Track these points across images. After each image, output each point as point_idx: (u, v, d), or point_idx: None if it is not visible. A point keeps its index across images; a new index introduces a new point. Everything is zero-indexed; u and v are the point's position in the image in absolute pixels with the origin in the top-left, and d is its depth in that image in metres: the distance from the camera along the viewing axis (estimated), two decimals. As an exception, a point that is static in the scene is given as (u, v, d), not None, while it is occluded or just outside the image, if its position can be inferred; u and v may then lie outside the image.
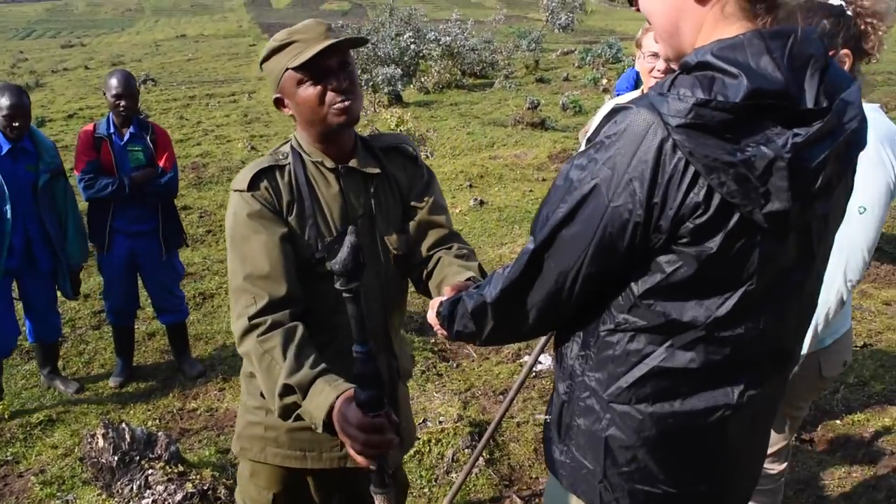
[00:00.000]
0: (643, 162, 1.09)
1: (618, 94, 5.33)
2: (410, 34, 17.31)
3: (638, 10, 1.28)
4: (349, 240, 1.30)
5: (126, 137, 4.28)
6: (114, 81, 4.22)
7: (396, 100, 15.11)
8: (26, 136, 4.01)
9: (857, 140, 1.20)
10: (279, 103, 1.82)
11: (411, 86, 16.37)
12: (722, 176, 1.06)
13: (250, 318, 1.66)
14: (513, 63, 20.77)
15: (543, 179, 9.43)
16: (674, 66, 1.24)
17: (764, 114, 1.06)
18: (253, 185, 1.76)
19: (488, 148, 11.42)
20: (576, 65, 20.92)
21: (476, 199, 8.40)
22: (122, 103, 4.20)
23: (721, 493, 1.36)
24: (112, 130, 4.27)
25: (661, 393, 1.24)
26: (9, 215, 3.91)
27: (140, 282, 4.59)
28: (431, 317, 1.62)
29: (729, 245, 1.11)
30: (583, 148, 1.22)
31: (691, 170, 1.07)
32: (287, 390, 1.57)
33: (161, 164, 4.37)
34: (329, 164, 1.83)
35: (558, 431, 1.41)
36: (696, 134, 1.06)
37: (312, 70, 1.70)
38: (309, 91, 1.72)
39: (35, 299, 4.27)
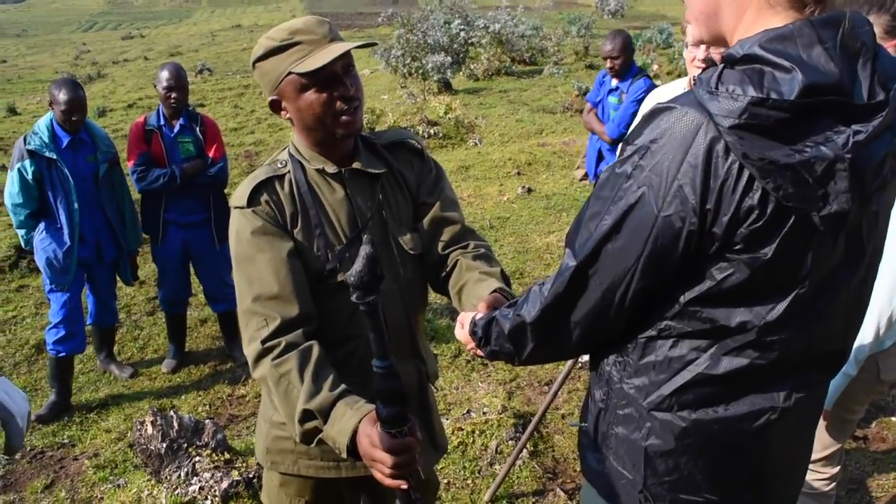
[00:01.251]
0: (693, 167, 1.03)
1: (589, 103, 5.25)
2: (459, 21, 17.22)
3: None
4: (364, 250, 1.23)
5: (176, 129, 4.35)
6: (165, 74, 4.29)
7: (446, 87, 15.06)
8: (82, 127, 4.09)
9: None
10: (276, 106, 1.70)
11: (461, 73, 16.29)
12: (778, 179, 1.00)
13: (263, 342, 1.58)
14: (562, 49, 20.51)
15: (593, 167, 9.30)
16: (714, 54, 1.19)
17: (820, 110, 1.00)
18: (252, 200, 1.67)
19: (537, 135, 11.32)
20: (628, 50, 20.55)
21: (524, 187, 8.33)
22: (174, 95, 4.26)
23: (766, 502, 1.31)
24: (162, 123, 4.34)
25: (704, 399, 1.19)
26: (76, 205, 4.02)
27: (192, 270, 4.68)
28: (461, 334, 1.55)
29: (783, 250, 1.06)
30: (621, 151, 1.16)
31: (746, 173, 1.01)
32: (307, 416, 1.50)
33: (211, 154, 4.43)
34: (331, 169, 1.73)
35: (595, 440, 1.37)
36: (750, 135, 0.99)
37: (319, 75, 1.59)
38: (313, 97, 1.61)
39: (99, 286, 4.40)
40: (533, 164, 9.54)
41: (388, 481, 1.37)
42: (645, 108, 3.07)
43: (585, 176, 7.02)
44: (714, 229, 1.05)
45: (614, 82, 5.03)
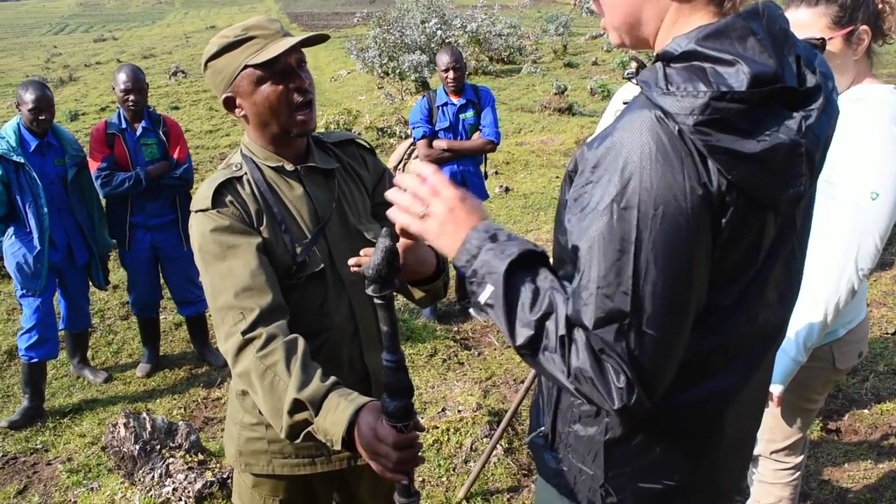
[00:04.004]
0: (670, 170, 1.01)
1: (413, 126, 4.96)
2: (436, 20, 17.23)
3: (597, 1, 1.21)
4: (383, 243, 1.22)
5: (139, 132, 4.31)
6: (122, 77, 4.24)
7: (423, 86, 15.06)
8: (50, 131, 4.06)
9: (837, 111, 1.17)
10: (230, 104, 1.71)
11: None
12: (743, 170, 1.01)
13: (244, 333, 1.55)
14: (540, 48, 20.61)
15: (569, 165, 9.35)
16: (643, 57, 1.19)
17: (769, 99, 1.02)
18: (216, 201, 1.66)
19: (515, 134, 11.35)
20: (604, 48, 20.66)
21: (502, 186, 8.36)
22: (132, 98, 4.22)
23: (718, 481, 1.34)
24: (124, 126, 4.30)
25: None
26: (46, 209, 3.98)
27: (161, 274, 4.65)
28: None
29: (742, 236, 1.08)
30: (585, 172, 1.09)
31: (711, 167, 1.02)
32: (297, 406, 1.46)
33: (175, 156, 4.40)
34: (289, 166, 1.75)
35: (552, 439, 1.37)
36: (713, 130, 1.00)
37: (274, 68, 1.62)
38: (269, 90, 1.64)
39: (71, 290, 4.36)
40: (511, 163, 9.56)
41: (389, 475, 1.37)
42: (615, 103, 3.10)
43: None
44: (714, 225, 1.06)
45: (455, 99, 4.90)
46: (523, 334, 1.09)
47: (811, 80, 1.07)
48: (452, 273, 5.54)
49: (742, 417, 1.31)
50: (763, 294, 1.18)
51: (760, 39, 1.04)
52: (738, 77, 1.00)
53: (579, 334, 1.06)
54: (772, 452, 2.42)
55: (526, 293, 1.10)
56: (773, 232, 1.13)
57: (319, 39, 1.70)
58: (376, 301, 1.26)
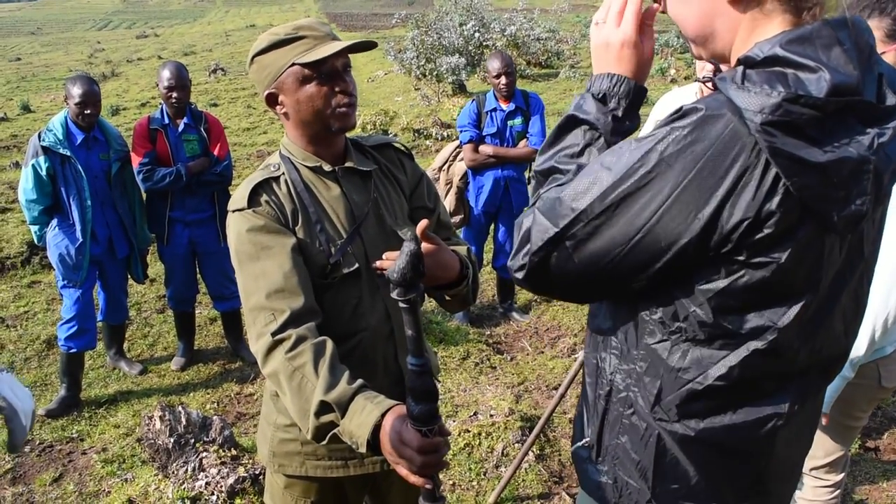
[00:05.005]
0: (721, 166, 1.00)
1: (461, 130, 4.91)
2: (475, 23, 17.22)
3: (664, 11, 1.20)
4: (408, 247, 1.23)
5: (181, 128, 4.36)
6: (166, 73, 4.30)
7: (460, 89, 15.06)
8: (96, 125, 4.12)
9: None
10: (272, 100, 1.73)
11: (475, 75, 16.30)
12: (804, 178, 0.98)
13: (273, 334, 1.57)
14: (579, 52, 20.50)
15: (606, 171, 9.28)
16: (723, 66, 1.17)
17: (846, 111, 0.99)
18: (252, 201, 1.69)
19: (551, 139, 11.29)
20: (643, 54, 20.49)
21: (536, 191, 8.32)
22: (175, 94, 4.28)
23: (766, 503, 1.31)
24: (167, 122, 4.36)
25: (712, 408, 1.18)
26: (89, 202, 4.05)
27: (198, 268, 4.70)
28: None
29: (799, 254, 1.04)
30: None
31: (771, 172, 0.99)
32: (324, 408, 1.47)
33: (215, 152, 4.45)
34: (327, 167, 1.77)
35: (597, 451, 1.34)
36: (780, 132, 0.97)
37: (321, 69, 1.64)
38: (314, 89, 1.66)
39: (111, 282, 4.43)
40: (545, 167, 9.51)
41: (414, 479, 1.36)
42: (656, 112, 3.05)
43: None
44: (730, 231, 1.02)
45: (505, 105, 4.87)
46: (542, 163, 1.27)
47: (891, 100, 1.04)
48: (491, 276, 5.55)
49: (793, 442, 1.27)
50: (829, 323, 1.16)
51: (847, 50, 1.00)
52: (818, 84, 0.97)
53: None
54: (812, 469, 2.37)
55: (570, 146, 1.25)
56: (839, 258, 1.10)
57: (368, 46, 1.72)
58: (401, 305, 1.26)
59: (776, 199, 0.99)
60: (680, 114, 1.06)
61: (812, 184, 0.99)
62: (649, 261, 1.08)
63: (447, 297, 1.78)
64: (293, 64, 1.65)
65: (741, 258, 1.04)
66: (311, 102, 1.67)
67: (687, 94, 2.83)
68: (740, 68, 1.05)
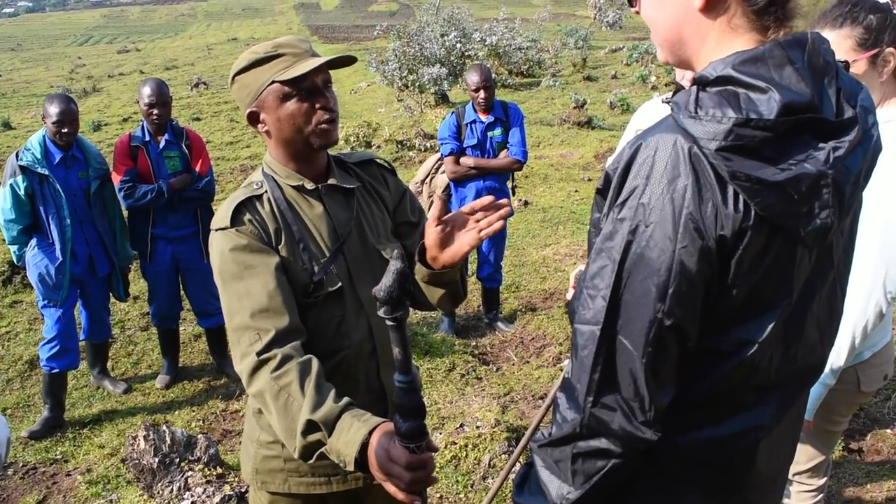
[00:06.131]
0: (693, 192, 1.01)
1: (441, 142, 4.96)
2: (456, 34, 17.29)
3: (638, 12, 1.23)
4: (394, 265, 1.24)
5: (162, 144, 4.35)
6: (146, 90, 4.30)
7: (443, 99, 15.11)
8: (74, 143, 4.10)
9: (879, 147, 1.16)
10: (253, 118, 1.73)
11: (458, 85, 16.37)
12: (766, 198, 1.00)
13: (259, 354, 1.56)
14: (560, 61, 20.62)
15: (589, 179, 9.34)
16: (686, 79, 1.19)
17: (799, 128, 1.01)
18: (235, 220, 1.68)
19: (534, 148, 11.34)
20: (624, 62, 20.67)
21: (520, 200, 8.35)
22: (156, 112, 4.27)
23: None
24: (148, 139, 4.34)
25: (692, 422, 1.18)
26: (68, 221, 4.02)
27: (181, 285, 4.67)
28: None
29: (773, 268, 1.06)
30: (613, 195, 1.11)
31: (731, 194, 1.01)
32: (310, 427, 1.46)
33: (197, 168, 4.44)
34: (309, 185, 1.76)
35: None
36: (736, 156, 1.00)
37: (301, 85, 1.64)
38: (295, 106, 1.66)
39: (92, 301, 4.40)
40: (530, 176, 9.55)
41: (402, 496, 1.36)
42: (636, 122, 3.07)
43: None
44: (726, 252, 1.03)
45: (484, 116, 4.89)
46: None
47: (849, 113, 1.05)
48: (476, 286, 5.56)
49: (775, 453, 1.28)
50: (802, 332, 1.17)
51: (798, 69, 1.02)
52: (768, 104, 0.99)
53: None
54: (795, 474, 2.39)
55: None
56: (808, 267, 1.11)
57: (347, 61, 1.72)
58: (388, 322, 1.27)
59: (751, 217, 1.01)
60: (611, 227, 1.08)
61: (774, 202, 1.01)
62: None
63: (442, 288, 1.78)
64: (273, 82, 1.65)
65: (724, 277, 1.06)
66: (292, 119, 1.67)
67: (665, 108, 2.86)
68: (694, 90, 1.07)
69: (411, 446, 1.32)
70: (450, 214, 1.67)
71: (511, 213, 5.42)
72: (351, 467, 1.41)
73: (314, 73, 1.64)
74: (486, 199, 1.66)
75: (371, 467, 1.39)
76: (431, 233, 1.65)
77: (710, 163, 1.01)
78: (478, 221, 1.66)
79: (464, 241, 1.66)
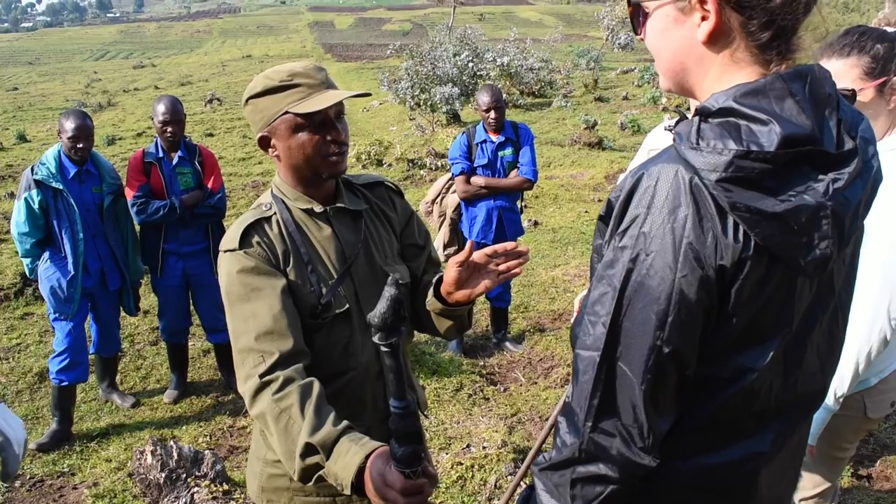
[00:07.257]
0: (693, 223, 1.03)
1: (452, 162, 4.99)
2: (468, 53, 17.40)
3: (643, 39, 1.24)
4: (389, 291, 1.25)
5: (175, 161, 4.40)
6: (161, 108, 4.35)
7: (454, 118, 15.19)
8: (89, 158, 4.15)
9: (879, 177, 1.17)
10: (265, 142, 1.75)
11: (469, 105, 16.46)
12: (766, 228, 1.01)
13: (261, 376, 1.58)
14: (571, 82, 20.70)
15: (599, 200, 9.34)
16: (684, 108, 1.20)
17: (799, 160, 1.02)
18: (244, 242, 1.70)
19: (544, 168, 11.37)
20: (635, 83, 20.74)
21: (530, 220, 8.36)
22: (170, 129, 4.32)
23: None
24: (161, 155, 4.39)
25: (694, 449, 1.18)
26: (81, 235, 4.06)
27: (191, 300, 4.70)
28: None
29: (773, 297, 1.07)
30: (614, 224, 1.13)
31: (731, 224, 1.02)
32: (309, 450, 1.48)
33: (209, 185, 4.49)
34: (318, 208, 1.78)
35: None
36: (736, 187, 1.01)
37: (314, 118, 1.66)
38: (306, 138, 1.68)
39: (103, 315, 4.43)
40: (540, 196, 9.57)
41: None
42: (649, 142, 3.09)
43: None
44: (726, 281, 1.04)
45: (494, 136, 4.93)
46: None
47: (849, 145, 1.07)
48: (484, 306, 5.55)
49: (777, 480, 1.28)
50: (802, 360, 1.17)
51: (799, 101, 1.03)
52: (769, 137, 1.00)
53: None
54: (801, 500, 2.37)
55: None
56: (809, 296, 1.12)
57: (361, 96, 1.75)
58: (382, 349, 1.28)
59: (751, 246, 1.02)
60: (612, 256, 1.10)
61: (773, 233, 1.02)
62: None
63: (451, 321, 1.80)
64: (286, 112, 1.66)
65: (724, 306, 1.07)
66: (303, 150, 1.69)
67: (663, 133, 2.91)
68: (696, 120, 1.08)
69: (406, 471, 1.33)
70: (472, 256, 1.68)
71: (521, 233, 5.50)
72: (348, 491, 1.42)
73: (328, 107, 1.65)
74: (509, 245, 1.68)
75: (367, 492, 1.40)
76: (452, 272, 1.67)
77: (711, 193, 1.02)
78: (498, 265, 1.69)
79: (481, 282, 1.69)
